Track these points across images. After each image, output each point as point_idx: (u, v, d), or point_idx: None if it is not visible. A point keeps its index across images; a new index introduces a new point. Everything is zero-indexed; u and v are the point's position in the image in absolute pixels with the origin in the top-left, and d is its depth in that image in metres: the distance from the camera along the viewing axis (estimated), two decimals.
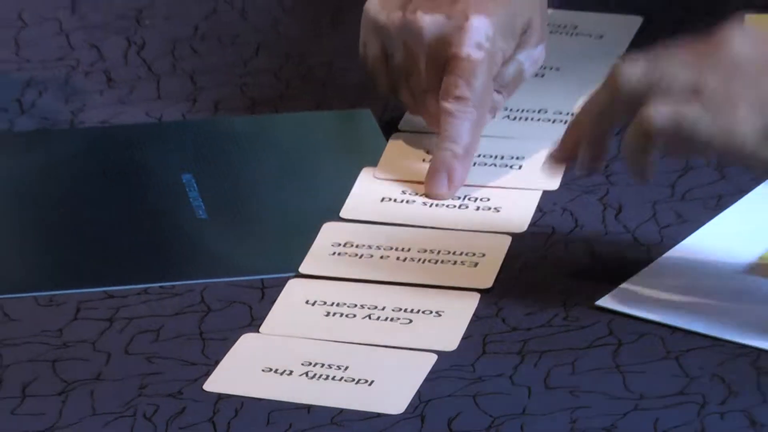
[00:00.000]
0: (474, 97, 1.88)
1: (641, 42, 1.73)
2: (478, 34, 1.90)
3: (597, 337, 1.39)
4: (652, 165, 1.44)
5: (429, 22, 1.81)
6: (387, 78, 1.82)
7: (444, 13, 1.88)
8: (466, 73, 1.87)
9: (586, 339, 1.40)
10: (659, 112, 1.41)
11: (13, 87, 1.60)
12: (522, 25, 1.94)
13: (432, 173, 1.78)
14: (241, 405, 1.25)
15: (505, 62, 1.89)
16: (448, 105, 1.84)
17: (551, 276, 1.51)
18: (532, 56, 1.87)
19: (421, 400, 1.25)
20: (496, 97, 1.88)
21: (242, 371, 1.28)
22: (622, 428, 1.24)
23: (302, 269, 1.43)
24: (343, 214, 1.54)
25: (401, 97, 1.81)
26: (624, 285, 1.47)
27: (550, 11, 1.81)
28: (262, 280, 1.39)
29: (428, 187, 1.77)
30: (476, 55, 1.90)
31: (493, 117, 1.85)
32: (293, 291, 1.38)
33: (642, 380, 1.29)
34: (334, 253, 1.47)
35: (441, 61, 1.86)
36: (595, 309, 1.44)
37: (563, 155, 1.52)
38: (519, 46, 1.88)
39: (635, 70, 1.43)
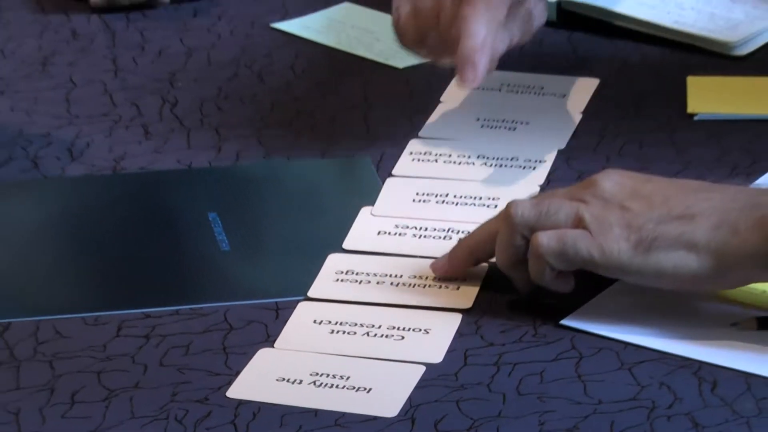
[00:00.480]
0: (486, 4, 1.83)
1: (597, 100, 1.69)
2: None
3: (561, 351, 1.35)
4: (552, 279, 1.46)
5: None
6: (415, 31, 1.78)
7: None
8: None
9: (552, 353, 1.35)
10: (547, 236, 1.44)
11: (65, 138, 1.59)
12: None
13: (459, 69, 1.76)
14: (258, 409, 1.21)
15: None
16: (463, 10, 1.80)
17: (522, 299, 1.46)
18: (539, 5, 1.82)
19: (412, 405, 1.21)
20: (511, 26, 1.83)
21: (259, 380, 1.22)
22: (583, 429, 1.20)
23: (310, 293, 1.40)
24: (345, 245, 1.51)
25: (425, 49, 1.80)
26: (583, 307, 1.44)
27: (520, 74, 1.77)
28: (276, 302, 1.35)
29: (459, 81, 1.77)
30: None
31: (507, 45, 1.80)
32: (303, 312, 1.33)
33: (600, 388, 1.27)
34: (337, 280, 1.43)
35: None
36: (559, 327, 1.41)
37: (450, 270, 1.52)
38: None
39: (526, 206, 1.47)
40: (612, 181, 1.47)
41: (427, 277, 1.49)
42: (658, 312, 1.50)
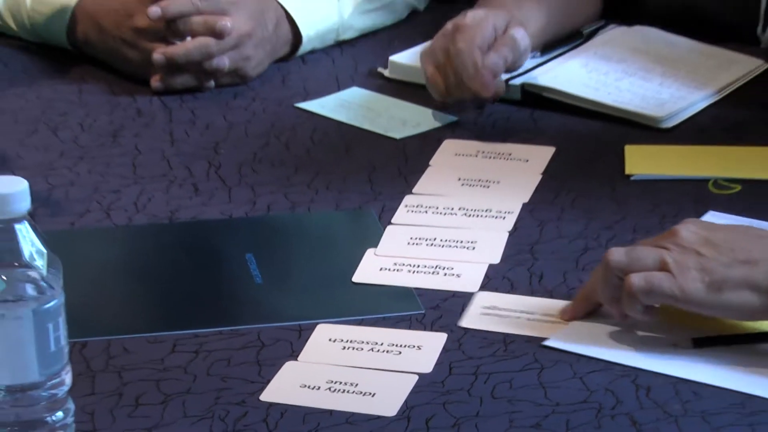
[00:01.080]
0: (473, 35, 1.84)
1: (554, 163, 1.74)
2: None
3: (526, 363, 1.36)
4: (642, 312, 1.42)
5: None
6: (442, 82, 1.77)
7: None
8: None
9: (519, 365, 1.36)
10: (637, 277, 1.39)
11: (131, 195, 1.60)
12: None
13: (475, 92, 1.79)
14: (285, 410, 1.23)
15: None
16: (457, 46, 1.80)
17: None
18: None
19: (407, 406, 1.22)
20: (501, 50, 1.82)
21: (285, 387, 1.24)
22: (545, 426, 1.24)
23: (327, 315, 1.39)
24: (354, 279, 1.50)
25: (454, 96, 1.79)
26: (560, 331, 1.45)
27: (492, 144, 1.81)
28: (299, 324, 1.36)
29: (480, 99, 1.83)
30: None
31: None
32: (320, 332, 1.33)
33: (557, 393, 1.29)
34: None
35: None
36: (527, 344, 1.41)
37: (574, 314, 1.50)
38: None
39: (620, 253, 1.43)
40: (689, 231, 1.44)
41: None
42: (612, 334, 1.51)
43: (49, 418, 1.06)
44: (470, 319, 1.43)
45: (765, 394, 1.31)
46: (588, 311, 1.49)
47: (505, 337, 1.45)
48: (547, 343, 1.41)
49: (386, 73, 1.84)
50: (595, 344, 1.46)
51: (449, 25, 1.75)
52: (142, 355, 1.31)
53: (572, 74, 1.80)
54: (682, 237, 1.43)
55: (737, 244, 1.42)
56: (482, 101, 1.76)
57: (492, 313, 1.46)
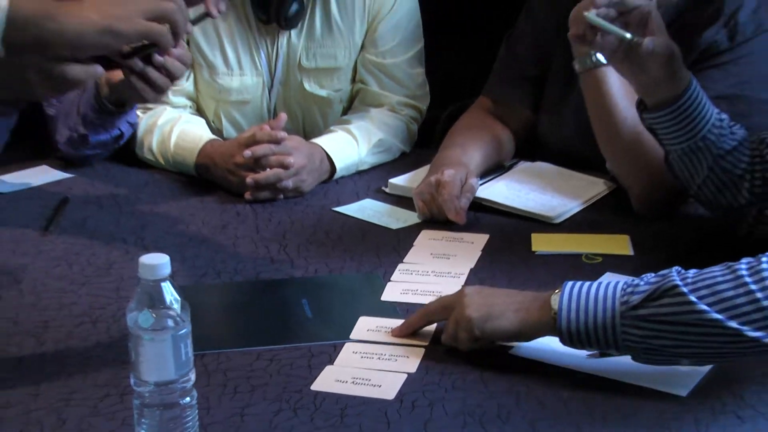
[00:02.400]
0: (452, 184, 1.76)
1: (488, 244, 1.73)
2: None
3: (475, 362, 1.30)
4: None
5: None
6: (430, 213, 1.72)
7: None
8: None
9: (473, 364, 1.31)
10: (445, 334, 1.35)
11: (231, 264, 1.64)
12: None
13: (450, 216, 1.72)
14: (325, 396, 1.24)
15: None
16: (442, 193, 1.74)
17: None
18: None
19: (401, 393, 1.23)
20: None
21: (326, 381, 1.27)
22: (512, 413, 1.18)
23: (351, 337, 1.38)
24: (367, 314, 1.47)
25: (434, 215, 1.72)
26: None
27: (451, 233, 1.76)
28: (334, 343, 1.37)
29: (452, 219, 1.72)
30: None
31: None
32: (348, 348, 1.35)
33: (495, 382, 1.22)
34: (366, 330, 1.43)
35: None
36: (480, 352, 1.33)
37: (406, 331, 1.39)
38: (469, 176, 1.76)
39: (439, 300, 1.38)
40: (472, 293, 1.33)
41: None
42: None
43: (181, 401, 1.08)
44: (355, 335, 1.40)
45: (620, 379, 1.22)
46: (420, 327, 1.40)
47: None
48: (514, 351, 1.32)
49: (387, 190, 1.81)
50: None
51: (433, 179, 1.70)
52: (238, 361, 1.31)
53: (499, 190, 1.78)
54: (466, 294, 1.34)
55: (495, 299, 1.33)
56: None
57: (369, 330, 1.44)
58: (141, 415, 1.06)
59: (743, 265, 1.10)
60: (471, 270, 1.57)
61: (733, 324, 1.08)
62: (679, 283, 1.10)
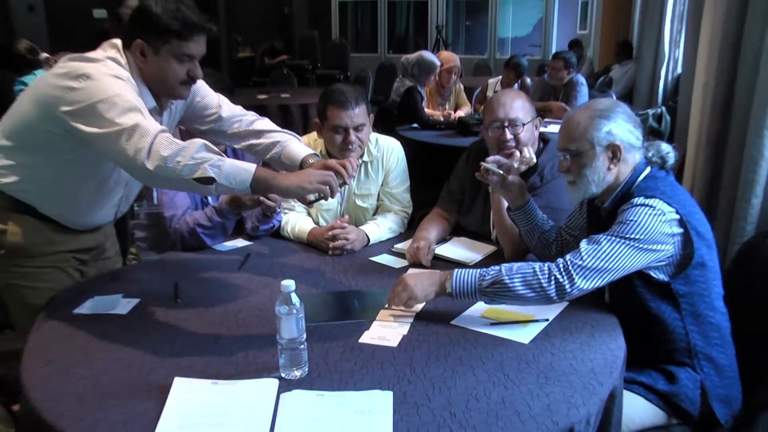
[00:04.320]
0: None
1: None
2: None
3: (451, 324, 1.26)
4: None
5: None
6: (413, 259, 1.56)
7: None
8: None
9: (450, 324, 1.26)
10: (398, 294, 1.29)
11: (322, 282, 1.56)
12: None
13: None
14: (364, 345, 1.19)
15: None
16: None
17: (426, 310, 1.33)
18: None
19: (400, 343, 1.19)
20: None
21: (364, 338, 1.21)
22: (450, 353, 1.15)
23: (377, 318, 1.29)
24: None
25: (416, 262, 1.55)
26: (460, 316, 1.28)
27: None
28: (369, 320, 1.27)
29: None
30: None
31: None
32: (375, 323, 1.25)
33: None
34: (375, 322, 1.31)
35: None
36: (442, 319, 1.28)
37: (391, 303, 1.28)
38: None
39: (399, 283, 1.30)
40: (410, 276, 1.28)
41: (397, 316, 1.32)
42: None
43: (299, 347, 1.07)
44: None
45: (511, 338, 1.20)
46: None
47: (433, 319, 1.30)
48: (454, 322, 1.26)
49: (393, 250, 1.72)
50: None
51: (414, 245, 1.62)
52: (324, 328, 1.26)
53: (444, 249, 1.68)
54: (407, 277, 1.28)
55: (422, 278, 1.27)
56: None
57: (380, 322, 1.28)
58: (281, 354, 1.08)
59: (537, 265, 1.21)
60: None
61: (528, 293, 1.18)
62: (506, 278, 1.20)
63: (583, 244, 1.18)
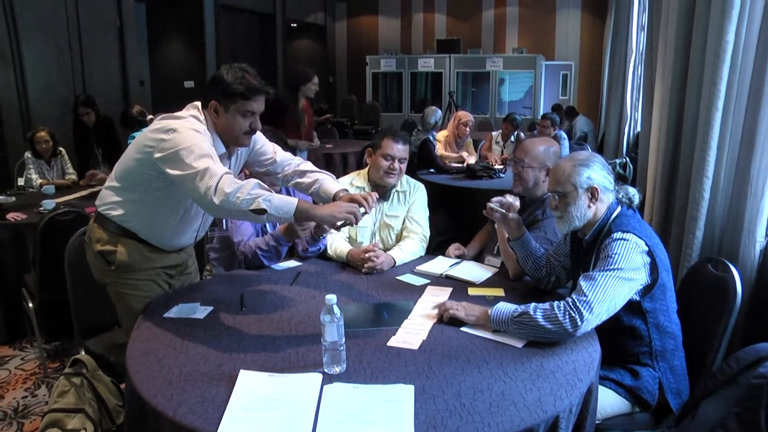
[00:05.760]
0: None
1: (453, 293, 1.58)
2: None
3: (462, 330, 1.29)
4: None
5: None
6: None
7: None
8: None
9: (452, 334, 1.24)
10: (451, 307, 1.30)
11: (362, 299, 1.55)
12: None
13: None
14: (391, 347, 1.17)
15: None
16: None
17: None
18: None
19: (422, 344, 1.18)
20: None
21: (392, 341, 1.19)
22: (461, 353, 1.15)
23: (402, 326, 1.28)
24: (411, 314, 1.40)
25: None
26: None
27: (439, 287, 1.63)
28: (396, 327, 1.26)
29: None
30: None
31: None
32: (401, 329, 1.24)
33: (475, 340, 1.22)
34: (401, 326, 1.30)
35: None
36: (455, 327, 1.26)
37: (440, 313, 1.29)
38: None
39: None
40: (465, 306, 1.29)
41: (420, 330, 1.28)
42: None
43: (339, 348, 1.06)
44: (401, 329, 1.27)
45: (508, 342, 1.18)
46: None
47: (446, 325, 1.30)
48: (463, 329, 1.24)
49: (415, 270, 1.67)
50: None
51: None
52: (359, 333, 1.23)
53: (457, 270, 1.66)
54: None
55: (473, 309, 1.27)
56: None
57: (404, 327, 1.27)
58: (324, 353, 1.03)
59: (555, 303, 1.19)
60: (448, 298, 1.47)
61: (548, 325, 1.16)
62: (531, 311, 1.19)
63: (582, 282, 1.18)
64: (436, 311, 1.34)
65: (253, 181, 1.19)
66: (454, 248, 1.82)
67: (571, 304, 1.16)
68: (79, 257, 1.56)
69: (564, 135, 4.03)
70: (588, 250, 1.29)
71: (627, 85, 4.71)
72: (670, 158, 2.03)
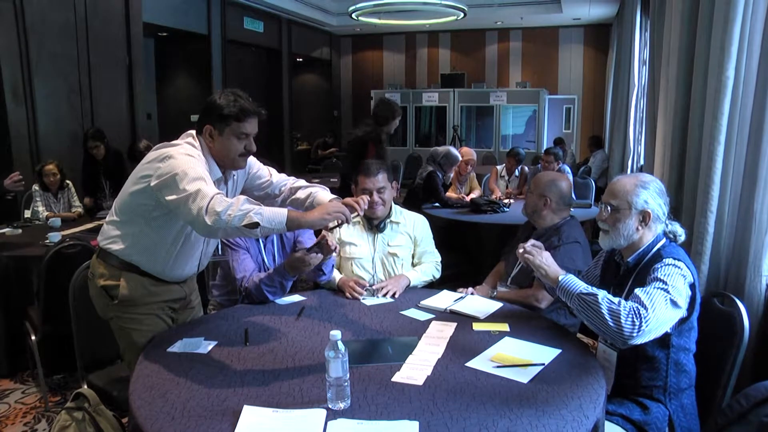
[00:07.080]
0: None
1: (457, 329, 1.56)
2: None
3: (468, 365, 1.26)
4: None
5: None
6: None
7: None
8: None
9: (465, 367, 1.25)
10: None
11: (360, 330, 1.54)
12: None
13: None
14: (396, 383, 1.16)
15: None
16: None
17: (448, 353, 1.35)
18: None
19: (425, 382, 1.17)
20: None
21: (396, 377, 1.18)
22: (465, 390, 1.14)
23: (407, 361, 1.28)
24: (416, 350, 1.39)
25: None
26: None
27: (444, 322, 1.63)
28: (400, 363, 1.26)
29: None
30: None
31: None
32: (405, 365, 1.24)
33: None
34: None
35: None
36: (460, 359, 1.26)
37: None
38: None
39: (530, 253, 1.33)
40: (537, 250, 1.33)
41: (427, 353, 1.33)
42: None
43: (344, 383, 1.06)
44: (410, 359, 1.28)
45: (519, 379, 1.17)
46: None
47: (448, 360, 1.31)
48: (467, 364, 1.24)
49: (420, 305, 1.67)
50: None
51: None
52: (365, 368, 1.24)
53: (461, 305, 1.66)
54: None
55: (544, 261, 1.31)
56: None
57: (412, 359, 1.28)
58: (329, 389, 1.07)
59: (622, 302, 1.16)
60: (450, 336, 1.44)
61: (609, 319, 1.12)
62: (600, 297, 1.16)
63: (639, 292, 1.15)
64: (443, 342, 1.35)
65: (242, 197, 1.21)
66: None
67: (635, 310, 1.13)
68: (84, 291, 1.57)
69: (568, 169, 4.05)
70: (626, 274, 1.28)
71: (630, 118, 4.73)
72: (673, 192, 2.03)
